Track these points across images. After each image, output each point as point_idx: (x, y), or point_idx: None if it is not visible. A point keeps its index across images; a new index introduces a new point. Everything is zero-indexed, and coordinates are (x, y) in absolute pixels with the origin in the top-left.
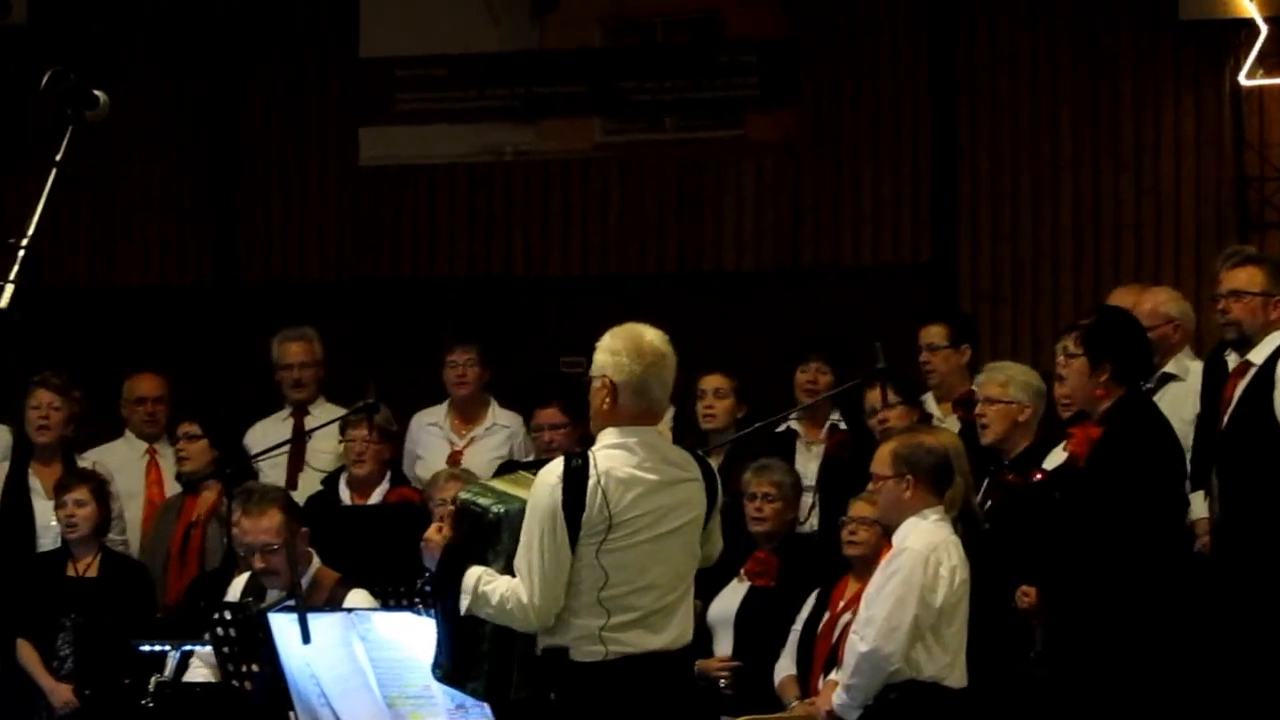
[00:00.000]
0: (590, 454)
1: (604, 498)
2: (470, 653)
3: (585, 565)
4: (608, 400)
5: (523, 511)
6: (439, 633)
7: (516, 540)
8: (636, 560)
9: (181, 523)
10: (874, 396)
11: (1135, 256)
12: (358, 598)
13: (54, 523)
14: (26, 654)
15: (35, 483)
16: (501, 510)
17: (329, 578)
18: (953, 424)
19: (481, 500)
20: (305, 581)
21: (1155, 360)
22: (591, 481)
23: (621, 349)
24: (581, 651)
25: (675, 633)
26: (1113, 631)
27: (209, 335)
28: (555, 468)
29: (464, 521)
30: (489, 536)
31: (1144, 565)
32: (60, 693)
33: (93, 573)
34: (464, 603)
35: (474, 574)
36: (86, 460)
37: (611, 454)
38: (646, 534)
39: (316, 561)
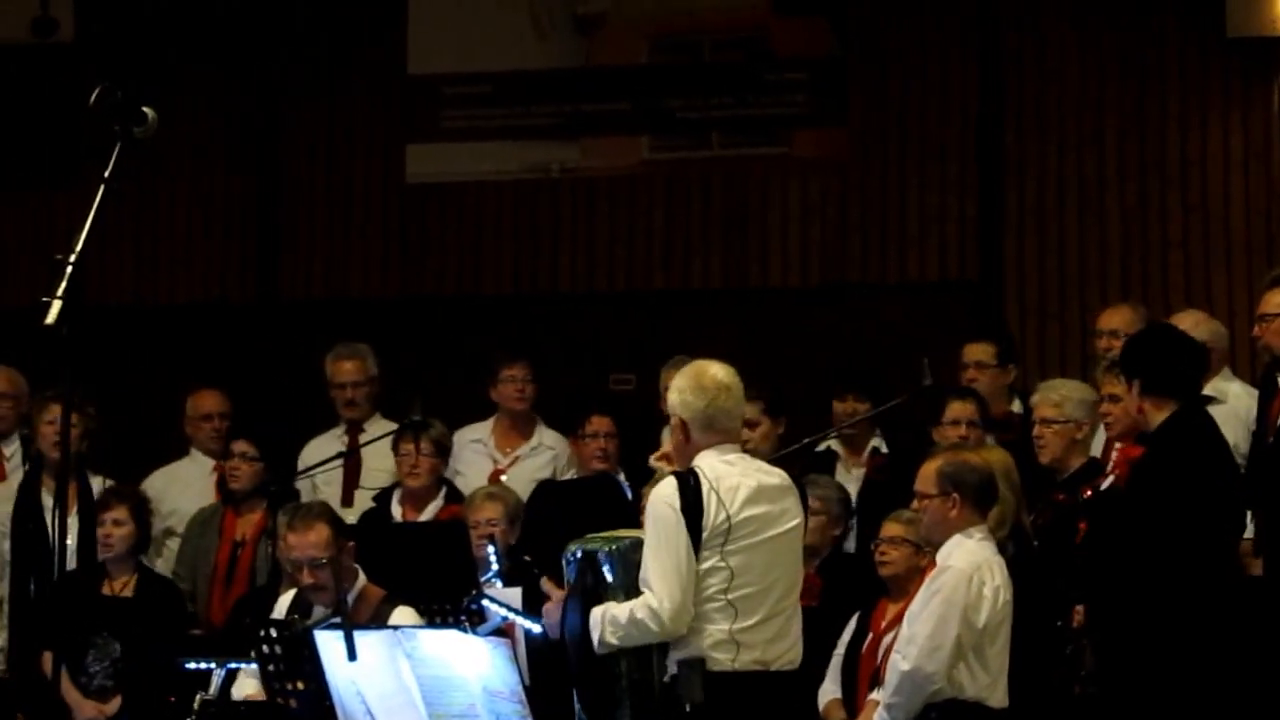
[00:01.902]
0: (696, 468)
1: (719, 501)
2: (608, 695)
3: (712, 568)
4: (680, 437)
5: (632, 546)
6: (578, 688)
7: (630, 572)
8: (758, 561)
9: (225, 541)
10: (959, 409)
11: (1183, 273)
12: (403, 615)
13: (69, 540)
14: (46, 665)
15: (46, 499)
16: (612, 548)
17: (374, 594)
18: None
19: (590, 546)
20: (350, 598)
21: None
22: (706, 488)
23: (686, 387)
24: (715, 660)
25: (791, 643)
26: (1153, 650)
27: (253, 353)
28: (668, 481)
29: (589, 572)
30: (600, 575)
31: (1185, 582)
32: (86, 708)
33: (128, 592)
34: (595, 637)
35: (597, 611)
36: (154, 482)
37: (715, 466)
38: (762, 535)
39: (362, 578)
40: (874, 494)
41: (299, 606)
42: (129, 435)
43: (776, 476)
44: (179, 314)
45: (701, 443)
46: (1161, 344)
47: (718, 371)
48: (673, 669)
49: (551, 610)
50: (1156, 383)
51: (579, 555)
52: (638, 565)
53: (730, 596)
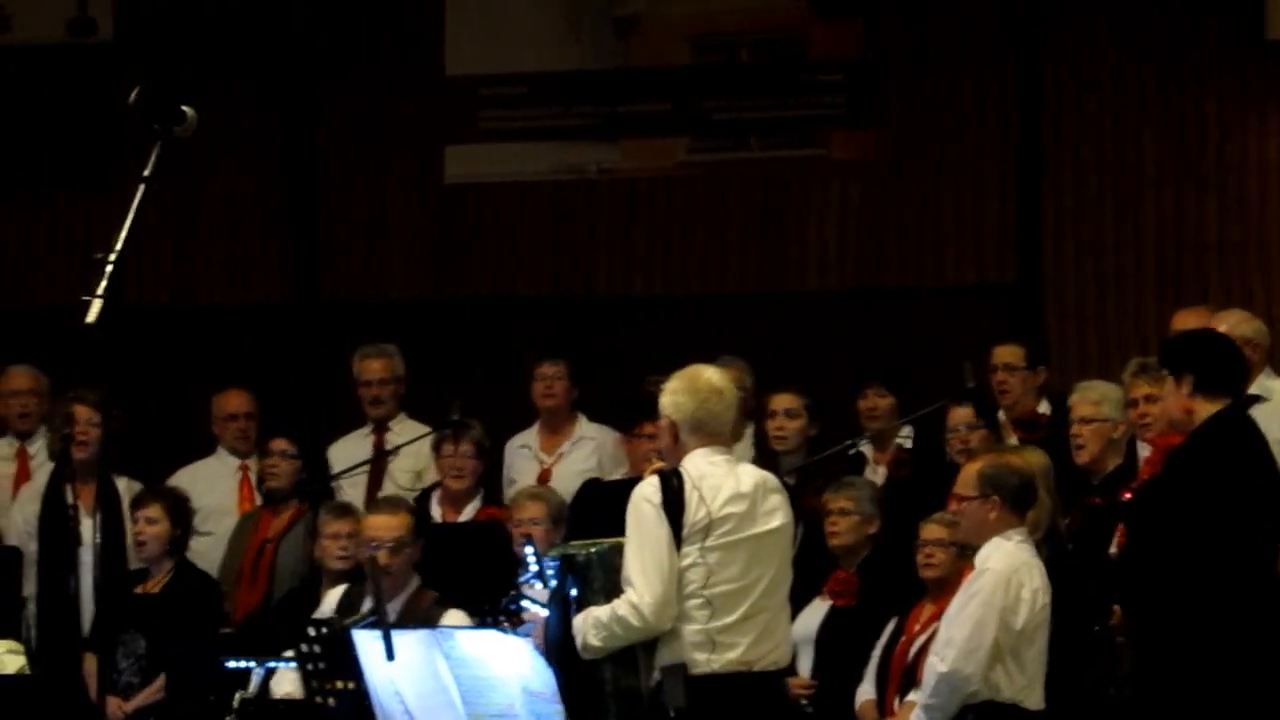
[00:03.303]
0: (681, 468)
1: (700, 497)
2: (594, 703)
3: (691, 565)
4: (668, 440)
5: (612, 550)
6: (563, 697)
7: (611, 575)
8: (738, 559)
9: (255, 540)
10: (959, 415)
11: (1220, 276)
12: (454, 619)
13: (98, 539)
14: (87, 667)
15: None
16: (591, 551)
17: (427, 598)
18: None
19: (569, 550)
20: (404, 599)
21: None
22: (688, 485)
23: (679, 388)
24: (696, 662)
25: (775, 643)
26: (1188, 646)
27: (291, 353)
28: (650, 480)
29: (568, 577)
30: (583, 579)
31: (1219, 571)
32: (108, 704)
33: (157, 589)
34: (578, 643)
35: (579, 618)
36: (179, 480)
37: (699, 465)
38: (743, 533)
39: (416, 580)
40: (894, 492)
41: (347, 602)
42: (168, 437)
43: (761, 477)
44: (218, 315)
45: (690, 444)
46: (1211, 343)
47: (712, 376)
48: (657, 676)
49: (539, 632)
50: (1209, 381)
51: (558, 561)
52: (619, 569)
53: (708, 593)
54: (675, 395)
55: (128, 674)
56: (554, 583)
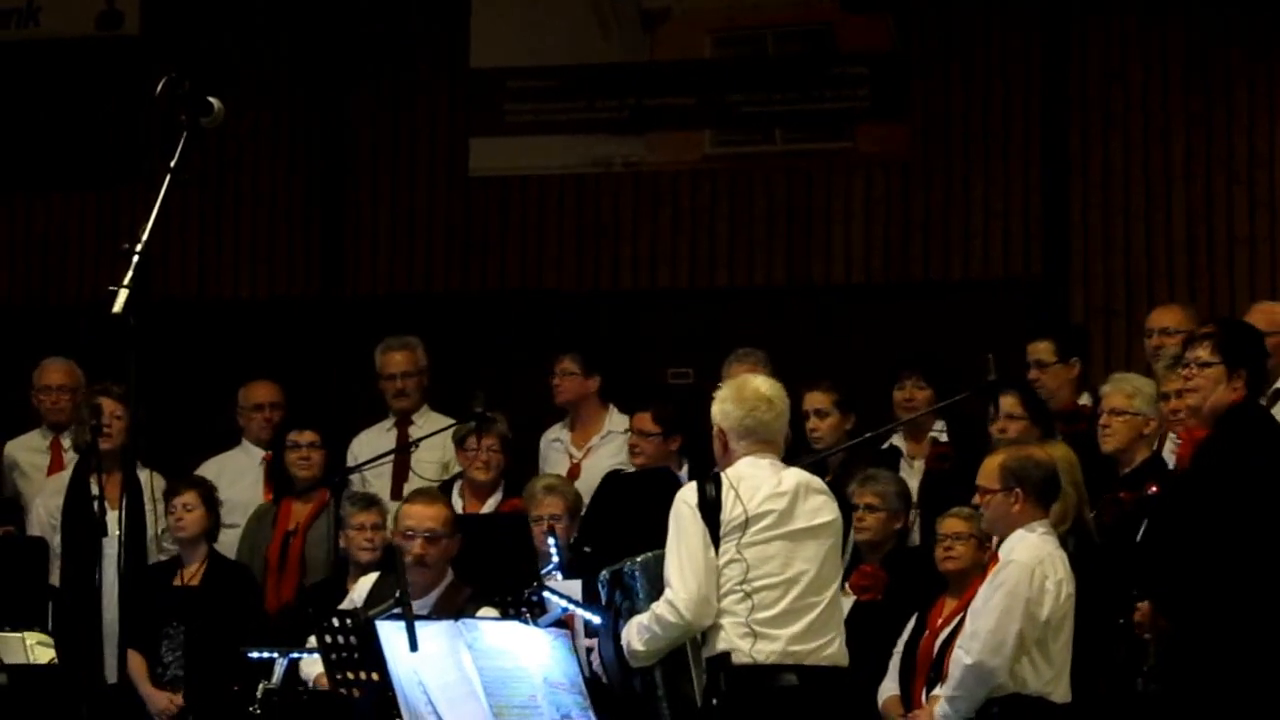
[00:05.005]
0: (722, 472)
1: (737, 496)
2: (650, 708)
3: (729, 560)
4: (720, 446)
5: (657, 560)
6: (620, 707)
7: (656, 584)
8: (777, 554)
9: (279, 531)
10: (1008, 403)
11: (1249, 270)
12: (486, 615)
13: (117, 531)
14: (133, 662)
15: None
16: (635, 560)
17: (461, 594)
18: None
19: (616, 565)
20: (438, 593)
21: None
22: (725, 485)
23: (727, 397)
24: (738, 650)
25: (826, 640)
26: (1220, 637)
27: (316, 346)
28: (690, 484)
29: (617, 590)
30: (629, 590)
31: (1247, 566)
32: (157, 700)
33: (196, 581)
34: (625, 652)
35: (625, 629)
36: (206, 471)
37: (740, 469)
38: (782, 529)
39: (450, 575)
40: (934, 485)
41: (378, 593)
42: (193, 430)
43: (805, 479)
44: (244, 308)
45: (739, 451)
46: (1261, 340)
47: (760, 384)
48: (703, 665)
49: (595, 655)
50: (1259, 377)
51: (607, 577)
52: (662, 578)
53: (747, 587)
54: (724, 404)
55: (174, 667)
56: (605, 598)
